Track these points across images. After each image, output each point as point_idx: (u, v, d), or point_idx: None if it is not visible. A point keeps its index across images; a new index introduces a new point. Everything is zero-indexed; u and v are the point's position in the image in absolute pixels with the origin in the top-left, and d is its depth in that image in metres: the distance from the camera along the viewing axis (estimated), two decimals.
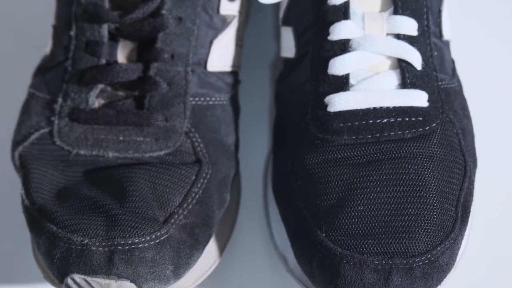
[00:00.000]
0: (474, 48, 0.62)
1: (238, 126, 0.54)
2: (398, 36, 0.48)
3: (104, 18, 0.49)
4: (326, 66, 0.48)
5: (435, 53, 0.49)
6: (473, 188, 0.48)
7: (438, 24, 0.51)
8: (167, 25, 0.49)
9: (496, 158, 0.57)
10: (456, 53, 0.54)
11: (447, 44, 0.52)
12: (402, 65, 0.48)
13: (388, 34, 0.48)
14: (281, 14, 0.54)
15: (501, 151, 0.58)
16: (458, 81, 0.52)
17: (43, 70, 0.53)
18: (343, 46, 0.48)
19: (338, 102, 0.47)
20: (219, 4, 0.52)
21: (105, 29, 0.50)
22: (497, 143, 0.58)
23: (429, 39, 0.49)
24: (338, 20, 0.49)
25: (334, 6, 0.49)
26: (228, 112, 0.53)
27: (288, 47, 0.53)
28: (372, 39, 0.48)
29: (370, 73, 0.48)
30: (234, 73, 0.55)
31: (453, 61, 0.53)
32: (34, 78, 0.53)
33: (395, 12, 0.49)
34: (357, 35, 0.48)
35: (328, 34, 0.49)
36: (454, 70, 0.52)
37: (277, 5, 0.54)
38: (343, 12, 0.49)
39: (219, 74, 0.53)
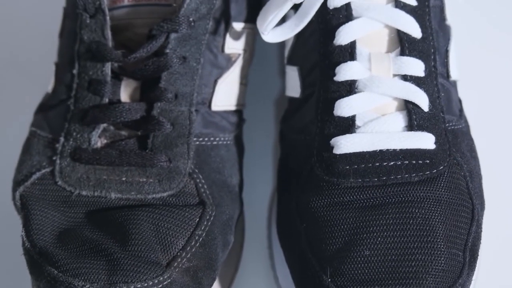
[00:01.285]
0: (481, 86, 0.62)
1: (242, 165, 0.55)
2: (405, 77, 0.49)
3: (107, 57, 0.50)
4: (332, 107, 0.49)
5: (442, 94, 0.50)
6: (481, 231, 0.48)
7: (446, 65, 0.51)
8: (171, 64, 0.50)
9: (504, 199, 0.57)
10: (464, 91, 0.54)
11: (454, 84, 0.52)
12: (409, 107, 0.48)
13: (395, 75, 0.49)
14: (286, 53, 0.55)
15: (508, 192, 0.58)
16: (466, 122, 0.52)
17: (45, 108, 0.53)
18: (349, 87, 0.48)
19: (344, 145, 0.47)
20: (224, 43, 0.53)
21: (108, 67, 0.50)
22: (504, 183, 0.58)
23: (436, 80, 0.50)
24: (344, 60, 0.49)
25: (340, 47, 0.49)
26: (232, 152, 0.53)
27: (293, 87, 0.53)
28: (379, 81, 0.48)
29: (377, 114, 0.48)
30: (239, 111, 0.56)
31: (460, 101, 0.53)
32: (36, 116, 0.53)
33: (402, 53, 0.49)
34: (363, 76, 0.48)
35: (334, 74, 0.49)
36: (461, 110, 0.53)
37: (282, 43, 0.55)
38: (349, 53, 0.49)
39: (223, 114, 0.53)
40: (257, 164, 0.59)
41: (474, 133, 0.53)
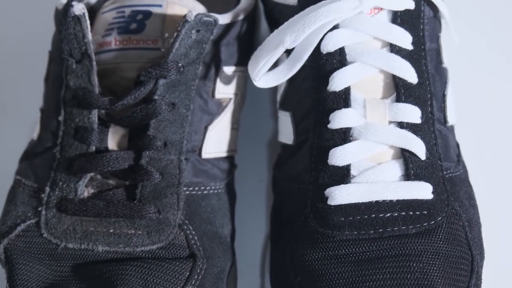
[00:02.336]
0: (479, 128, 0.62)
1: (234, 214, 0.54)
2: (401, 125, 0.48)
3: (94, 104, 0.49)
4: (326, 156, 0.48)
5: (440, 141, 0.49)
6: (480, 283, 0.47)
7: (443, 110, 0.51)
8: (159, 111, 0.49)
9: (504, 246, 0.57)
10: (461, 133, 0.54)
11: (451, 129, 0.52)
12: (405, 155, 0.47)
13: (390, 122, 0.48)
14: (278, 97, 0.54)
15: (508, 237, 0.57)
16: (464, 167, 0.52)
17: (30, 156, 0.52)
18: (344, 135, 0.48)
19: (339, 195, 0.46)
20: (215, 88, 0.52)
21: (95, 115, 0.50)
22: (503, 229, 0.58)
23: (433, 127, 0.49)
24: (339, 107, 0.48)
25: (334, 93, 0.49)
26: (223, 201, 0.52)
27: (286, 133, 0.52)
28: (374, 128, 0.47)
29: (372, 163, 0.47)
30: (230, 157, 0.55)
31: (458, 145, 0.53)
32: (21, 163, 0.53)
33: (398, 99, 0.48)
34: (358, 124, 0.48)
35: (328, 122, 0.48)
36: (459, 155, 0.52)
37: (274, 86, 0.54)
38: (343, 99, 0.48)
39: (214, 161, 0.53)
40: (250, 210, 0.58)
41: (472, 175, 0.52)
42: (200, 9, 0.53)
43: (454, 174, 0.49)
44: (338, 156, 0.47)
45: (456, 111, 0.53)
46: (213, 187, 0.52)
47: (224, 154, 0.54)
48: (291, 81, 0.52)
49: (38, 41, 0.61)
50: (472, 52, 0.65)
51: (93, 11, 0.55)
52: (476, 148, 0.59)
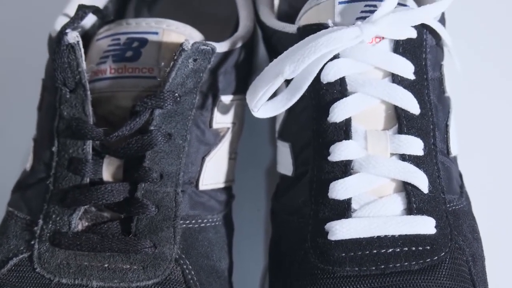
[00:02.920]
0: (481, 157, 0.62)
1: (232, 246, 0.53)
2: (403, 157, 0.47)
3: (88, 136, 0.48)
4: (326, 189, 0.47)
5: (443, 173, 0.48)
6: None
7: (446, 140, 0.50)
8: (155, 142, 0.48)
9: (508, 278, 0.56)
10: (463, 162, 0.53)
11: (454, 160, 0.51)
12: (407, 188, 0.47)
13: (392, 154, 0.48)
14: (277, 126, 0.54)
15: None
16: (467, 198, 0.51)
17: (23, 187, 0.51)
18: (345, 168, 0.47)
19: (340, 230, 0.46)
20: (212, 118, 0.52)
21: (89, 146, 0.49)
22: (507, 262, 0.57)
23: (436, 159, 0.48)
24: (339, 139, 0.48)
25: (335, 124, 0.48)
26: (221, 234, 0.52)
27: (285, 164, 0.52)
28: (375, 161, 0.47)
29: (374, 197, 0.47)
30: (228, 188, 0.54)
31: (460, 175, 0.52)
32: (13, 195, 0.52)
33: (400, 131, 0.48)
34: (359, 156, 0.47)
35: (328, 154, 0.48)
36: (462, 186, 0.51)
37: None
38: (344, 131, 0.48)
39: (211, 192, 0.52)
40: (248, 241, 0.57)
41: (475, 204, 0.52)
42: (197, 36, 0.52)
43: (457, 207, 0.49)
44: (339, 190, 0.47)
45: (458, 140, 0.52)
46: (210, 220, 0.51)
47: (221, 185, 0.53)
48: (290, 110, 0.51)
49: (31, 68, 0.60)
50: (473, 79, 0.64)
51: (87, 36, 0.54)
52: (479, 177, 0.58)
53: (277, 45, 0.53)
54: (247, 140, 0.59)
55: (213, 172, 0.52)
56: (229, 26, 0.63)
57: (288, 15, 0.61)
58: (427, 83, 0.49)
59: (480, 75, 0.65)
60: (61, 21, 0.54)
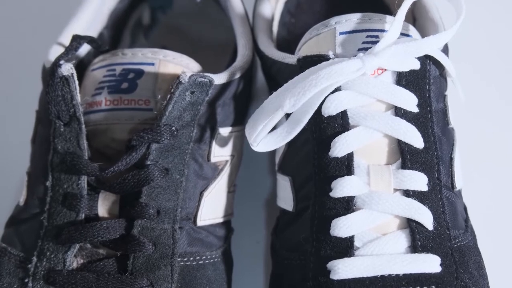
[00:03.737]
0: (486, 189, 0.61)
1: (231, 283, 0.52)
2: (407, 193, 0.46)
3: (83, 171, 0.47)
4: (328, 226, 0.46)
5: (447, 209, 0.47)
6: None
7: (450, 174, 0.49)
8: (152, 178, 0.47)
9: None
10: (468, 194, 0.52)
11: (459, 194, 0.50)
12: (412, 225, 0.46)
13: (396, 190, 0.47)
14: (277, 159, 0.53)
15: None
16: (472, 232, 0.50)
17: (17, 222, 0.50)
18: (347, 205, 0.46)
19: (342, 270, 0.45)
20: (210, 151, 0.51)
21: (84, 181, 0.48)
22: None
23: (441, 194, 0.47)
24: (341, 175, 0.47)
25: (336, 159, 0.47)
26: (220, 271, 0.51)
27: (286, 199, 0.51)
28: (378, 197, 0.46)
29: (377, 234, 0.46)
30: (226, 222, 0.53)
31: (465, 208, 0.51)
32: (6, 230, 0.51)
33: (403, 166, 0.47)
34: (362, 192, 0.46)
35: (330, 190, 0.47)
36: (467, 220, 0.50)
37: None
38: (346, 166, 0.47)
39: (209, 228, 0.51)
40: (247, 275, 0.56)
41: (480, 238, 0.51)
42: (195, 66, 0.51)
43: (462, 243, 0.48)
44: (341, 227, 0.46)
45: (463, 172, 0.51)
46: (208, 256, 0.50)
47: (220, 220, 0.52)
48: (290, 144, 0.50)
49: (25, 98, 0.59)
50: (478, 109, 0.64)
51: (82, 65, 0.54)
52: (484, 209, 0.57)
53: (277, 76, 0.52)
54: (245, 170, 0.58)
55: (212, 207, 0.51)
56: (227, 52, 0.63)
57: (287, 41, 0.61)
58: (431, 115, 0.48)
59: (484, 105, 0.64)
60: (55, 50, 0.53)
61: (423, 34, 0.54)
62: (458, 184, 0.50)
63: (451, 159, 0.50)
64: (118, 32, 0.63)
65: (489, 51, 0.68)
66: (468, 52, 0.66)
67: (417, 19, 0.56)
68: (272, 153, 0.56)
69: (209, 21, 0.64)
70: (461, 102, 0.54)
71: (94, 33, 0.58)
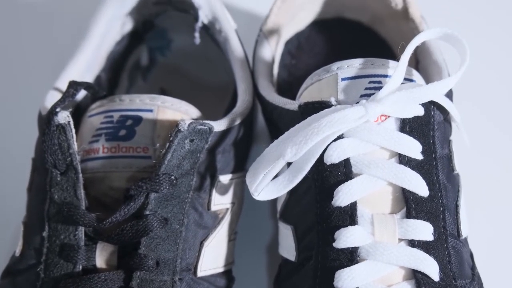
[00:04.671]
0: (491, 240, 0.60)
1: None
2: (412, 243, 0.46)
3: (80, 222, 0.47)
4: (331, 278, 0.45)
5: (454, 258, 0.47)
6: None
7: (456, 222, 0.48)
8: (151, 228, 0.47)
9: None
10: (473, 241, 0.52)
11: (465, 241, 0.49)
12: (417, 276, 0.45)
13: (400, 240, 0.46)
14: (278, 207, 0.52)
15: None
16: (479, 280, 0.49)
17: (13, 273, 0.50)
18: (351, 256, 0.45)
19: None
20: (210, 200, 0.50)
21: (81, 231, 0.47)
22: None
23: (447, 243, 0.47)
24: (344, 225, 0.46)
25: (339, 208, 0.46)
26: None
27: (288, 248, 0.50)
28: (383, 248, 0.45)
29: (382, 285, 0.45)
30: (227, 272, 0.52)
31: (471, 255, 0.50)
32: (2, 281, 0.50)
33: (408, 215, 0.46)
34: (366, 242, 0.45)
35: (333, 240, 0.46)
36: (473, 268, 0.50)
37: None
38: (349, 215, 0.46)
39: (210, 278, 0.50)
40: None
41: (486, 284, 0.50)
42: (194, 112, 0.51)
43: None
44: (345, 279, 0.45)
45: (468, 218, 0.51)
46: None
47: (221, 270, 0.51)
48: (292, 192, 0.49)
49: (20, 145, 0.58)
50: (483, 153, 0.63)
51: (79, 110, 0.53)
52: (491, 255, 0.56)
53: (278, 121, 0.52)
54: (246, 217, 0.57)
55: (212, 257, 0.50)
56: (227, 94, 0.62)
57: (288, 83, 0.60)
58: (436, 162, 0.48)
59: (490, 148, 0.64)
60: (52, 96, 0.52)
61: (427, 76, 0.53)
62: (464, 232, 0.49)
63: (457, 206, 0.49)
64: (116, 74, 0.62)
65: (495, 91, 0.67)
66: (472, 92, 0.66)
67: (420, 61, 0.56)
68: (274, 200, 0.56)
69: (208, 62, 0.64)
70: (466, 146, 0.53)
71: (91, 76, 0.58)
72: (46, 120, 0.47)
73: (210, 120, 0.49)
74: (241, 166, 0.54)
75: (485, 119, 0.66)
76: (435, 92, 0.47)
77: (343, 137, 0.47)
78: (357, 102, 0.47)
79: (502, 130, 0.66)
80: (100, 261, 0.47)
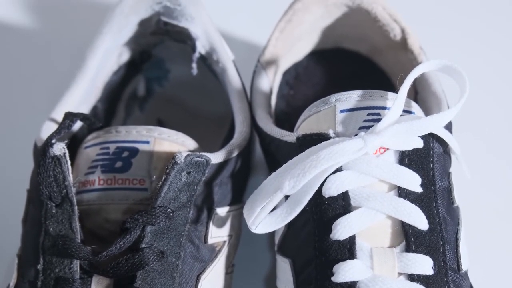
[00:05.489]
0: (491, 274, 0.60)
1: None
2: (411, 277, 0.45)
3: (75, 255, 0.46)
4: None
5: None
6: None
7: (456, 255, 0.48)
8: (147, 261, 0.46)
9: None
10: (473, 275, 0.51)
11: (465, 275, 0.49)
12: None
13: (400, 274, 0.45)
14: (276, 240, 0.51)
15: None
16: None
17: None
18: None
19: None
20: (207, 233, 0.50)
21: (76, 264, 0.47)
22: None
23: (447, 277, 0.46)
24: (343, 258, 0.46)
25: (338, 242, 0.46)
26: None
27: (286, 281, 0.50)
28: (382, 282, 0.45)
29: None
30: None
31: None
32: None
33: (408, 249, 0.46)
34: (365, 277, 0.45)
35: (331, 274, 0.46)
36: None
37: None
38: (348, 249, 0.46)
39: None
40: None
41: None
42: (191, 144, 0.50)
43: None
44: None
45: (469, 252, 0.50)
46: None
47: None
48: (290, 225, 0.49)
49: (16, 176, 0.58)
50: (482, 184, 0.63)
51: (75, 140, 0.53)
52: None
53: (276, 153, 0.51)
54: (244, 249, 0.57)
55: None
56: (225, 124, 0.62)
57: (286, 114, 0.60)
58: (435, 195, 0.48)
59: (490, 180, 0.64)
60: (48, 127, 0.52)
61: (426, 108, 0.53)
62: (464, 265, 0.48)
63: (457, 239, 0.48)
64: (113, 104, 0.62)
65: (495, 123, 0.67)
66: (472, 123, 0.66)
67: (419, 92, 0.56)
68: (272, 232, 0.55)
69: (205, 93, 0.64)
70: (465, 179, 0.53)
71: (88, 106, 0.58)
72: (42, 152, 0.47)
73: (207, 152, 0.49)
74: (238, 198, 0.53)
75: (485, 151, 0.66)
76: (435, 124, 0.47)
77: (341, 170, 0.47)
78: (356, 135, 0.47)
79: (502, 162, 0.65)
80: None
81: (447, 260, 0.47)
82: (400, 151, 0.47)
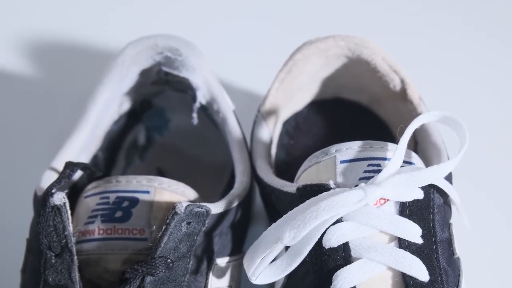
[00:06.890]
0: None
1: None
2: None
3: None
4: None
5: None
6: None
7: None
8: None
9: None
10: None
11: None
12: None
13: None
14: None
15: None
16: None
17: None
18: None
19: None
20: (207, 284, 0.49)
21: None
22: None
23: None
24: None
25: None
26: None
27: None
28: None
29: None
30: None
31: None
32: None
33: None
34: None
35: None
36: None
37: None
38: None
39: None
40: None
41: None
42: (191, 194, 0.51)
43: None
44: None
45: None
46: None
47: None
48: (290, 276, 0.49)
49: (15, 225, 0.58)
50: (483, 235, 0.63)
51: (75, 189, 0.53)
52: None
53: (276, 203, 0.51)
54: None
55: None
56: (225, 173, 0.62)
57: (286, 163, 0.61)
58: (436, 246, 0.48)
59: (490, 232, 0.63)
60: (48, 176, 0.52)
61: (426, 158, 0.54)
62: None
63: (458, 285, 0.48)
64: (113, 153, 0.62)
65: (496, 173, 0.67)
66: (472, 173, 0.66)
67: (419, 142, 0.56)
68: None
69: (206, 142, 0.64)
70: (466, 230, 0.53)
71: (88, 155, 0.58)
72: (42, 201, 0.47)
73: (207, 202, 0.49)
74: (238, 249, 0.53)
75: (485, 201, 0.66)
76: (435, 175, 0.47)
77: (342, 221, 0.47)
78: (356, 185, 0.47)
79: (503, 213, 0.65)
80: None
81: None
82: (400, 202, 0.47)
